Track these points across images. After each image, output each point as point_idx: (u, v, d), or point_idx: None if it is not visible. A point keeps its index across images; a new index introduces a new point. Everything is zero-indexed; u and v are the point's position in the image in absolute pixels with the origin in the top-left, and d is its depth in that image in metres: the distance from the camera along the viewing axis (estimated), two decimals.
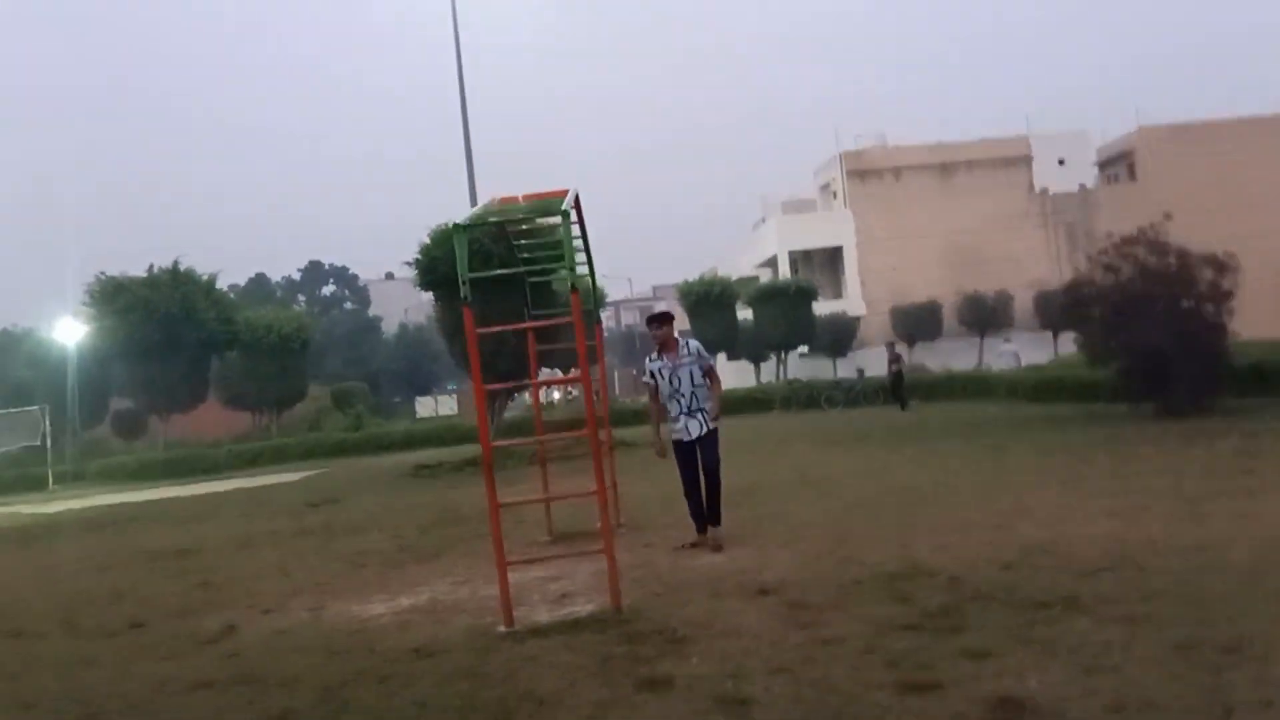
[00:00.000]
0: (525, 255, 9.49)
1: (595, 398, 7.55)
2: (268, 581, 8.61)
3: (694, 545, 7.97)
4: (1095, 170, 48.17)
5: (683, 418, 7.90)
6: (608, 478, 6.95)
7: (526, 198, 7.38)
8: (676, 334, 8.16)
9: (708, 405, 7.93)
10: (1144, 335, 15.54)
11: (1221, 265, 15.79)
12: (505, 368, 19.84)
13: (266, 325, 34.22)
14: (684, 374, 7.85)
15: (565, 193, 6.65)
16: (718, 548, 7.75)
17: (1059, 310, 43.52)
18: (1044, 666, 4.02)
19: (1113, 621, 4.62)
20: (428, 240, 20.03)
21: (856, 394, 30.23)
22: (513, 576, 6.14)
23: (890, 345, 31.14)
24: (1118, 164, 48.67)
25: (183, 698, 5.11)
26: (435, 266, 19.58)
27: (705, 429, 7.88)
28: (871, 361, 39.36)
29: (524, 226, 8.88)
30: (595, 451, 5.97)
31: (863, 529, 8.15)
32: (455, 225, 5.68)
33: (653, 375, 8.10)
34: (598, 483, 5.92)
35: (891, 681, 4.04)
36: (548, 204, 6.08)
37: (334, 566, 9.04)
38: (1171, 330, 15.17)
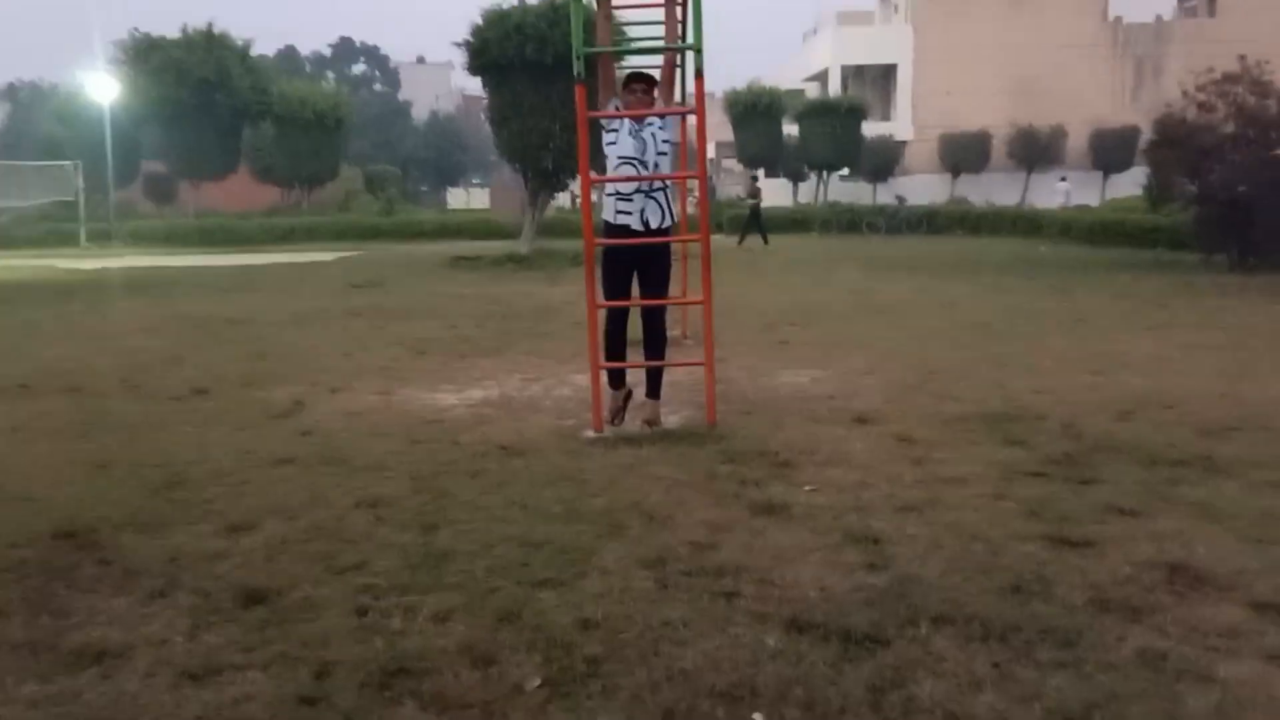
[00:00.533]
0: (616, 38, 8.80)
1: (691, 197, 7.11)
2: (328, 359, 8.42)
3: (614, 414, 5.80)
4: (1174, 1, 45.27)
5: (637, 197, 5.53)
6: (675, 286, 6.31)
7: None
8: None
9: (666, 190, 5.65)
10: (1230, 180, 14.81)
11: None
12: (552, 164, 19.29)
13: (301, 99, 33.25)
14: (649, 136, 5.53)
15: None
16: (652, 420, 5.67)
17: (1113, 150, 42.28)
18: (1207, 534, 3.75)
19: (1266, 487, 4.34)
20: (479, 21, 18.99)
21: (900, 221, 29.52)
22: (587, 380, 5.82)
23: (753, 177, 29.45)
24: None
25: (268, 470, 4.92)
26: (487, 49, 18.64)
27: (665, 220, 5.63)
28: (913, 190, 38.35)
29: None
30: (705, 255, 5.54)
31: (949, 362, 7.83)
32: None
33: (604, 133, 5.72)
34: (704, 291, 5.53)
35: (1039, 534, 3.78)
36: None
37: (393, 350, 8.83)
38: (1261, 178, 14.42)
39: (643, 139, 5.55)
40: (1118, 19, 43.81)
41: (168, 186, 37.50)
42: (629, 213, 5.62)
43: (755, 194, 26.00)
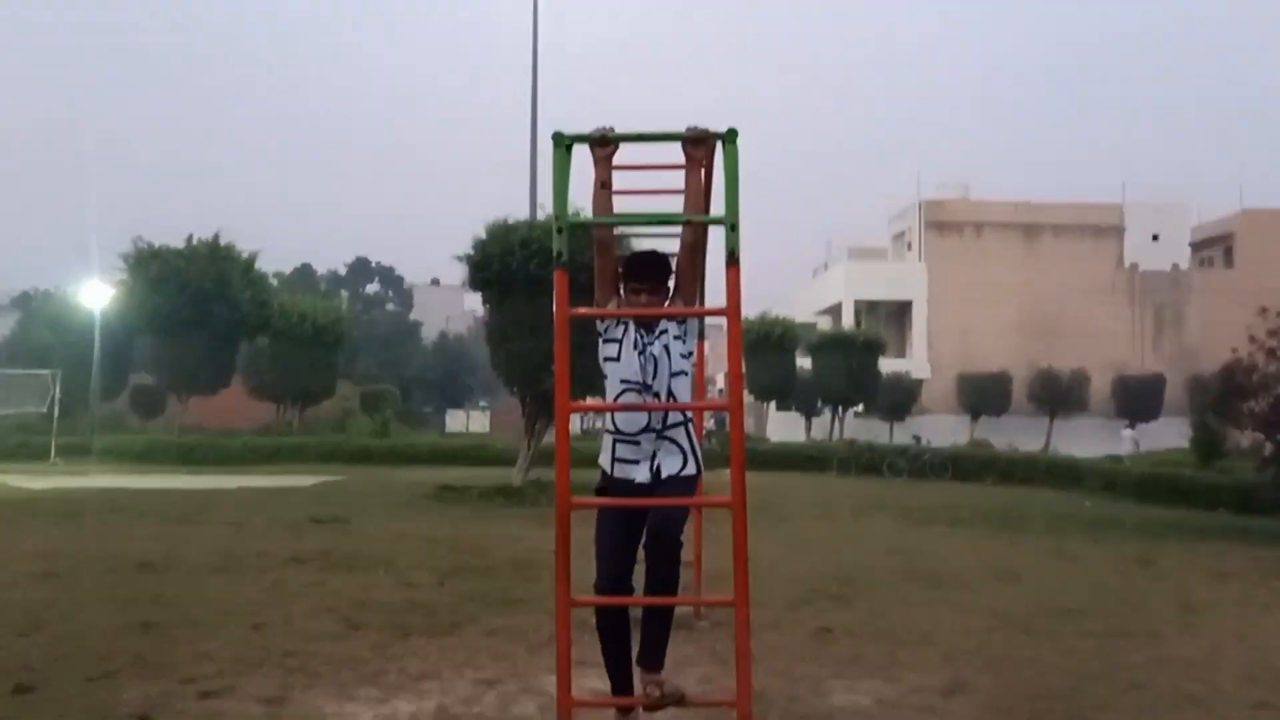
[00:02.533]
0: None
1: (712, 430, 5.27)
2: (227, 635, 6.40)
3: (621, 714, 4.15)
4: (1188, 250, 45.26)
5: (645, 439, 3.97)
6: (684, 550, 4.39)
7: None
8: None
9: (688, 426, 4.05)
10: None
11: None
12: (552, 386, 17.73)
13: (302, 313, 32.36)
14: (660, 350, 4.01)
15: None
16: (658, 703, 3.93)
17: (1138, 398, 41.04)
18: None
19: None
20: (483, 235, 17.97)
21: (923, 464, 27.70)
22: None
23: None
24: (1214, 246, 45.81)
25: None
26: (488, 264, 17.49)
27: (682, 468, 4.00)
28: (931, 430, 36.80)
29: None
30: (739, 523, 3.56)
31: (1057, 673, 5.80)
32: (556, 135, 3.47)
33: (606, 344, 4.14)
34: (737, 579, 3.54)
35: None
36: (702, 133, 3.83)
37: (319, 623, 6.82)
38: None
39: (652, 355, 3.96)
40: (1134, 265, 43.65)
41: (156, 400, 36.16)
42: (634, 460, 3.99)
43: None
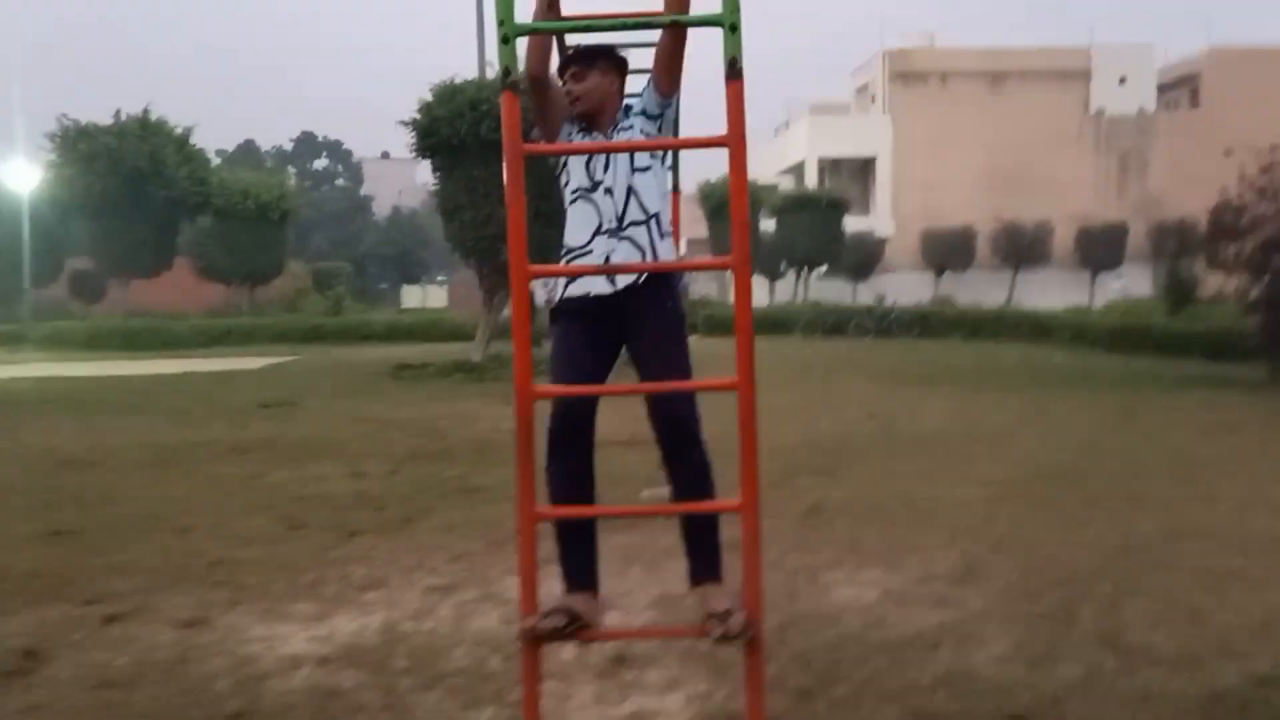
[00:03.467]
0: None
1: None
2: (150, 542, 5.71)
3: (555, 626, 2.76)
4: (1155, 93, 44.14)
5: (595, 245, 3.19)
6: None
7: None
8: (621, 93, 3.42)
9: (662, 222, 3.23)
10: None
11: None
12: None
13: (243, 190, 30.80)
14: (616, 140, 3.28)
15: None
16: (727, 618, 2.73)
17: (1101, 247, 40.64)
18: None
19: None
20: (429, 98, 16.74)
21: (890, 323, 27.25)
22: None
23: None
24: (1180, 88, 44.77)
25: None
26: (436, 129, 16.34)
27: (650, 262, 3.17)
28: (895, 288, 36.31)
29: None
30: (747, 414, 2.78)
31: (1065, 549, 5.28)
32: None
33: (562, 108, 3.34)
34: (744, 482, 2.82)
35: None
36: None
37: (255, 523, 6.13)
38: None
39: (605, 158, 3.16)
40: (1100, 111, 42.66)
41: (96, 284, 34.67)
42: (592, 261, 3.16)
43: None
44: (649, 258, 3.13)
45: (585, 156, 3.19)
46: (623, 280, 3.10)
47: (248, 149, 69.58)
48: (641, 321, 3.12)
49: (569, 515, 2.99)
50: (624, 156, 3.17)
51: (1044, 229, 39.69)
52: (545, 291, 3.39)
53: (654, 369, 3.10)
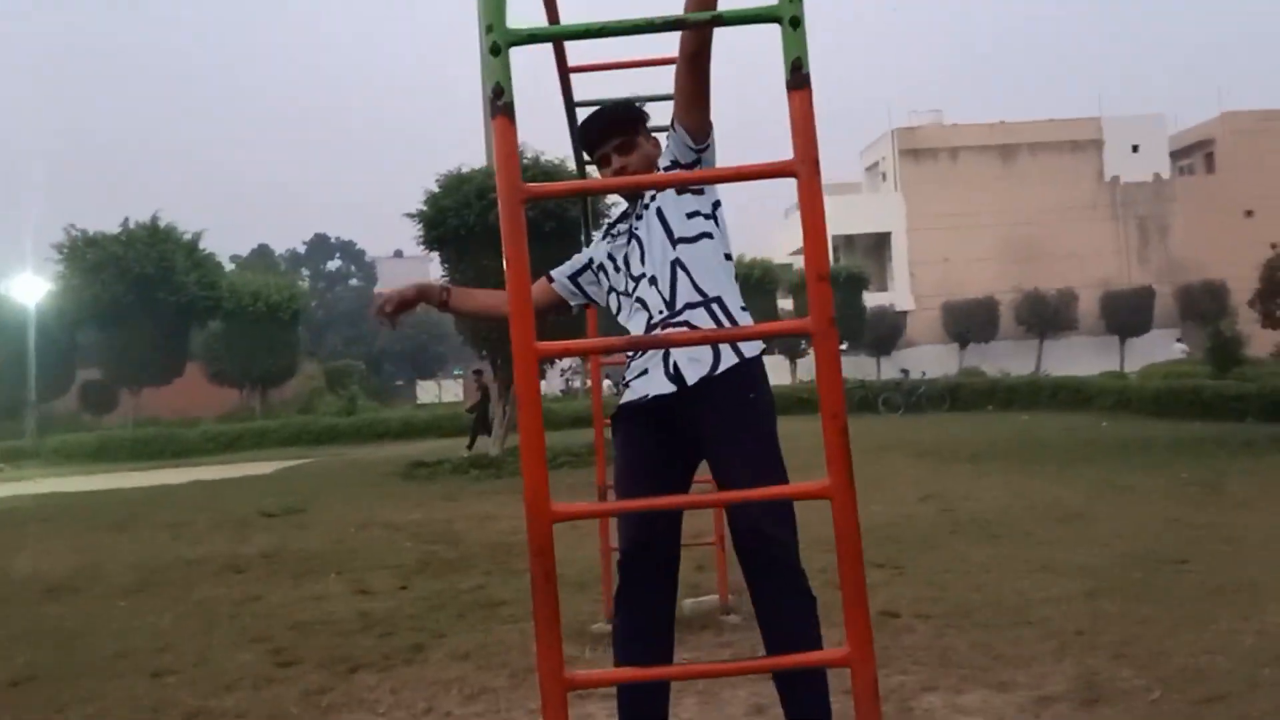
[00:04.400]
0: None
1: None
2: (120, 688, 4.89)
3: None
4: (1169, 160, 43.86)
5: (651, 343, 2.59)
6: None
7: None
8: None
9: (729, 304, 2.61)
10: None
11: None
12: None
13: (253, 292, 30.53)
14: (648, 221, 2.66)
15: None
16: None
17: (1127, 313, 39.83)
18: None
19: None
20: (436, 189, 16.33)
21: (920, 397, 26.44)
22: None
23: (478, 373, 23.71)
24: (1194, 153, 44.51)
25: None
26: (443, 219, 15.88)
27: (716, 361, 2.51)
28: (919, 362, 35.57)
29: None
30: (846, 531, 2.03)
31: (1200, 656, 4.40)
32: None
33: (580, 275, 2.87)
34: (851, 625, 2.03)
35: None
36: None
37: (242, 659, 5.30)
38: None
39: (635, 235, 2.62)
40: (1115, 179, 42.30)
41: (107, 394, 34.24)
42: (643, 371, 2.59)
43: (484, 388, 21.73)
44: (715, 346, 2.44)
45: (620, 258, 2.52)
46: (693, 374, 2.39)
47: (261, 253, 70.07)
48: (719, 420, 2.39)
49: (622, 680, 2.17)
50: (658, 232, 2.50)
51: (1067, 296, 39.08)
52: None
53: (734, 476, 2.36)
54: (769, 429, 2.51)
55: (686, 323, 2.49)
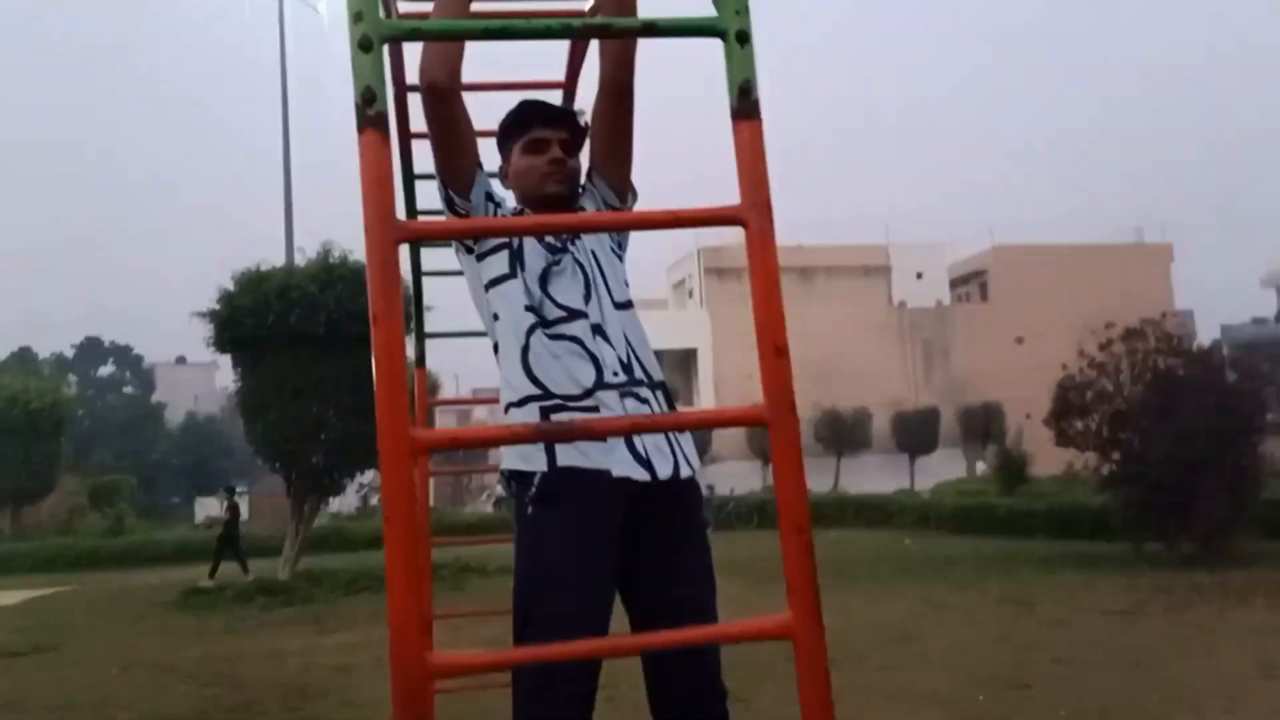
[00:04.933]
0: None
1: None
2: None
3: None
4: (948, 287, 47.08)
5: (606, 394, 2.10)
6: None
7: None
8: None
9: (662, 389, 2.27)
10: (1151, 454, 12.37)
11: (1253, 372, 12.93)
12: (324, 460, 15.16)
13: (11, 396, 27.64)
14: (585, 259, 2.22)
15: None
16: None
17: (915, 431, 41.87)
18: None
19: None
20: (230, 287, 15.18)
21: (728, 514, 26.48)
22: None
23: (229, 491, 24.04)
24: (971, 282, 47.95)
25: None
26: (238, 320, 14.72)
27: (688, 462, 2.16)
28: (725, 479, 35.94)
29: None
30: (811, 678, 1.48)
31: None
32: None
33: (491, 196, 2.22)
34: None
35: None
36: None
37: None
38: (1195, 450, 12.00)
39: (578, 265, 2.17)
40: (902, 303, 44.90)
41: None
42: (600, 439, 2.05)
43: (234, 508, 20.51)
44: (676, 441, 2.00)
45: (549, 266, 2.01)
46: (663, 468, 1.90)
47: (22, 357, 64.32)
48: (674, 533, 1.94)
49: None
50: (598, 278, 2.16)
51: (862, 414, 40.66)
52: (519, 461, 2.07)
53: (684, 603, 2.09)
54: (709, 555, 2.21)
55: (648, 402, 2.03)
